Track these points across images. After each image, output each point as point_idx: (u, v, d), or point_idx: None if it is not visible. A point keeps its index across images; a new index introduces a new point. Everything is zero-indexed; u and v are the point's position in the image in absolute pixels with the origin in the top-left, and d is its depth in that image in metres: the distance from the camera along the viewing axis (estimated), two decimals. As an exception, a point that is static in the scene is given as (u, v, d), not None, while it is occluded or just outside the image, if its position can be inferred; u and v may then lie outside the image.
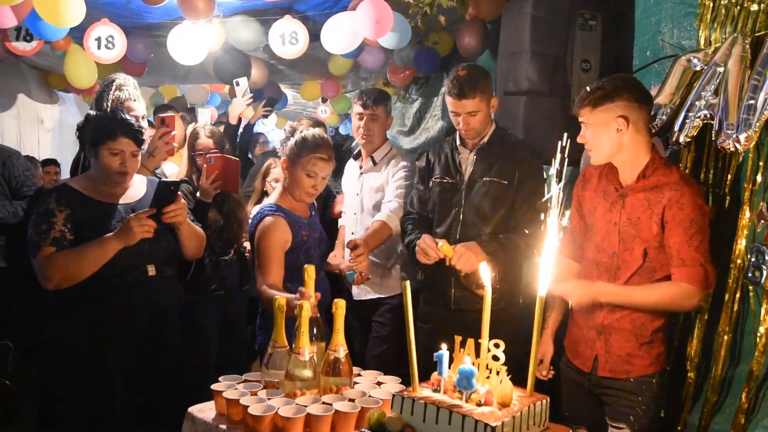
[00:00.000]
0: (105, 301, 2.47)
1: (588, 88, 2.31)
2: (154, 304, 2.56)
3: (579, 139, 2.34)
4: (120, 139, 2.48)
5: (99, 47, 4.29)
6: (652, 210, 2.21)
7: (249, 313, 3.69)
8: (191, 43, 4.33)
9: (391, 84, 6.70)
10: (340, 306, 2.05)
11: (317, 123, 4.61)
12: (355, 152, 3.55)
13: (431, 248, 2.63)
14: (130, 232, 2.39)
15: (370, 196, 3.38)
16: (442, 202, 2.84)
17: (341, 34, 4.29)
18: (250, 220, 2.77)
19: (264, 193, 3.80)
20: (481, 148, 2.79)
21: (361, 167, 3.47)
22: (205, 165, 3.22)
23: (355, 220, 3.44)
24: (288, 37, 4.32)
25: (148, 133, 3.66)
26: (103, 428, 2.49)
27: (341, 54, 4.87)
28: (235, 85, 4.24)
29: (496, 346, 1.67)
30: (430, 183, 2.89)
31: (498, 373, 1.66)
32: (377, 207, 3.28)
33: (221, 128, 4.71)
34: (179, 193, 2.52)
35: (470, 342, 1.71)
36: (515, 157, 2.77)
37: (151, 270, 2.54)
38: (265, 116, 5.52)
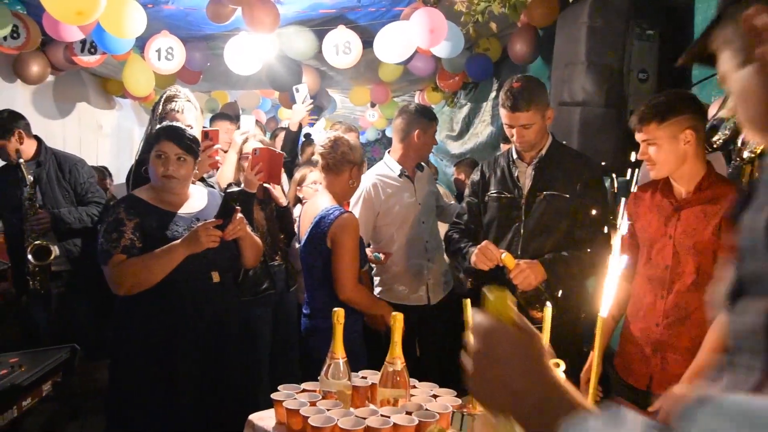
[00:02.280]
0: (172, 307, 2.56)
1: (650, 104, 2.29)
2: (217, 309, 2.64)
3: (640, 156, 2.33)
4: (162, 142, 2.59)
5: (159, 58, 4.43)
6: (709, 222, 2.20)
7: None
8: (247, 53, 4.43)
9: (439, 89, 6.72)
10: (398, 319, 2.08)
11: (349, 128, 4.72)
12: (399, 170, 3.58)
13: (494, 253, 2.59)
14: (197, 241, 2.48)
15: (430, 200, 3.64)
16: (500, 218, 2.81)
17: (395, 43, 4.33)
18: (314, 222, 2.85)
19: (297, 200, 3.89)
20: (539, 161, 2.76)
21: (408, 176, 3.58)
22: (250, 155, 3.29)
23: (423, 229, 3.55)
24: (342, 47, 4.38)
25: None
26: (167, 430, 2.57)
27: (394, 63, 4.89)
28: (295, 91, 4.30)
29: (557, 365, 1.67)
30: (486, 198, 2.87)
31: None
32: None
33: (281, 135, 4.82)
34: (237, 207, 2.60)
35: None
36: (576, 169, 2.72)
37: (216, 277, 2.62)
38: (311, 124, 5.59)
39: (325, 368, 2.16)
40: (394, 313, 2.09)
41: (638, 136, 2.32)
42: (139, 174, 2.85)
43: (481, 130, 6.78)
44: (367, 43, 4.68)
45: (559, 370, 1.66)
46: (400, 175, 3.53)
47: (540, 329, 2.49)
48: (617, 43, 3.17)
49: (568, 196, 2.68)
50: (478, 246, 2.64)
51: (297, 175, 4.01)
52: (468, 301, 1.72)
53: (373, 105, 8.33)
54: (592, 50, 3.22)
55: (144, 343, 2.57)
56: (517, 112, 2.64)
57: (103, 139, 7.18)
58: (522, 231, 2.74)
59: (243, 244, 2.69)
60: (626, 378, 2.44)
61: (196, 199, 2.75)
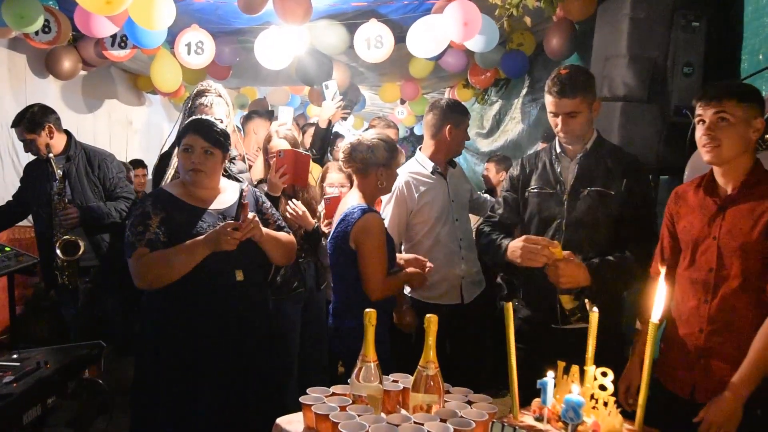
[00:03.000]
0: (196, 304, 2.51)
1: (724, 83, 2.17)
2: (243, 308, 2.58)
3: (706, 131, 2.12)
4: (189, 135, 2.55)
5: (189, 53, 4.39)
6: (757, 221, 2.07)
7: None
8: (278, 47, 4.37)
9: (471, 85, 6.61)
10: (432, 322, 1.99)
11: (388, 124, 4.62)
12: (432, 167, 3.48)
13: (543, 246, 2.44)
14: (215, 241, 2.43)
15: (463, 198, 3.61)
16: (541, 213, 2.69)
17: (428, 37, 4.22)
18: (339, 220, 2.79)
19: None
20: (584, 156, 2.64)
21: (441, 173, 3.49)
22: (275, 158, 3.21)
23: (456, 227, 3.48)
24: (373, 41, 4.29)
25: (234, 138, 3.75)
26: (191, 429, 2.52)
27: (426, 57, 4.79)
28: (324, 88, 4.23)
29: (604, 374, 1.57)
30: (526, 193, 2.75)
31: (606, 404, 1.56)
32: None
33: (311, 130, 4.75)
34: (246, 206, 2.54)
35: (575, 369, 1.62)
36: (621, 165, 2.60)
37: (239, 275, 2.56)
38: (344, 119, 5.52)
39: (356, 371, 2.08)
40: (428, 315, 2.00)
41: (709, 110, 2.11)
42: (161, 168, 2.80)
43: (512, 127, 6.70)
44: (399, 38, 4.59)
45: (606, 379, 1.56)
46: (432, 172, 3.44)
47: (576, 335, 2.39)
48: (661, 35, 3.04)
49: (612, 192, 2.55)
50: (522, 238, 2.52)
51: (321, 172, 3.93)
52: (510, 305, 1.62)
53: (402, 102, 8.24)
54: (634, 43, 3.09)
55: (167, 340, 2.53)
56: (564, 98, 2.52)
57: (132, 134, 7.22)
58: (563, 228, 2.62)
59: (263, 245, 2.62)
60: (668, 385, 2.32)
61: (227, 195, 2.70)
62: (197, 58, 4.41)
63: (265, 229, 2.62)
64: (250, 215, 2.51)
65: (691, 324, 2.23)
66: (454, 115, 3.42)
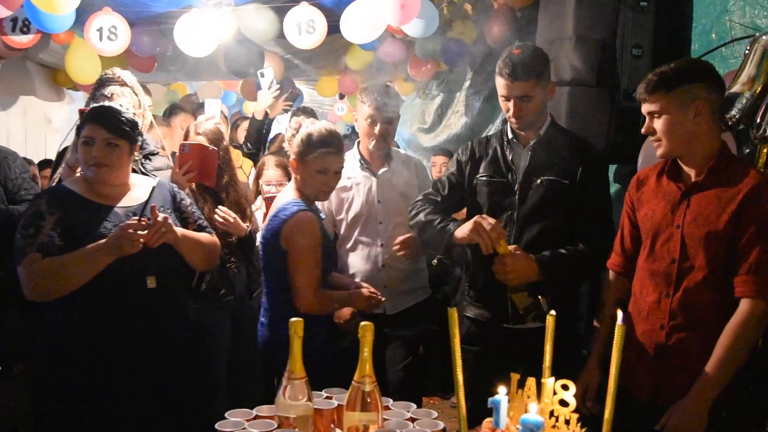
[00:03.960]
0: (101, 317, 2.22)
1: (657, 71, 2.01)
2: (156, 320, 2.28)
3: (645, 130, 2.05)
4: (88, 125, 2.25)
5: (101, 38, 3.99)
6: (723, 208, 1.91)
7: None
8: (200, 32, 4.00)
9: (411, 79, 6.41)
10: (368, 330, 1.73)
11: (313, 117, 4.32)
12: (356, 164, 3.10)
13: (492, 231, 2.23)
14: (115, 244, 2.12)
15: (393, 202, 3.05)
16: (491, 204, 2.48)
17: (363, 21, 3.94)
18: (270, 218, 2.52)
19: (258, 195, 3.51)
20: (537, 143, 2.44)
21: (373, 173, 3.09)
22: (177, 153, 2.89)
23: (377, 231, 3.04)
24: (305, 26, 3.99)
25: (157, 132, 3.42)
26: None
27: (362, 43, 4.52)
28: (259, 76, 3.92)
29: (565, 387, 1.34)
30: (474, 181, 2.53)
31: (568, 421, 1.33)
32: (404, 214, 2.87)
33: (244, 124, 4.42)
34: (156, 209, 2.23)
35: (531, 382, 1.39)
36: (577, 153, 2.42)
37: (151, 282, 2.25)
38: (286, 111, 5.20)
39: (281, 389, 1.81)
40: (363, 323, 1.74)
41: (644, 108, 2.04)
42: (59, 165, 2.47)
43: (455, 121, 6.52)
44: (334, 27, 4.32)
45: (567, 393, 1.33)
46: (362, 168, 3.09)
47: (530, 336, 2.19)
48: (609, 15, 2.86)
49: (567, 182, 2.37)
50: (474, 218, 2.29)
51: (256, 168, 3.62)
52: (454, 310, 1.38)
53: (341, 97, 7.98)
54: (580, 24, 2.91)
55: (68, 359, 2.22)
56: (517, 81, 2.32)
57: (52, 134, 6.74)
58: (515, 219, 2.43)
59: (180, 249, 2.31)
60: (627, 387, 2.13)
61: (139, 192, 2.38)
62: (110, 44, 4.01)
63: (181, 230, 2.32)
64: (162, 216, 2.20)
65: (651, 320, 2.06)
66: None
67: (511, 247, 2.26)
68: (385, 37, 5.19)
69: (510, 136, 2.49)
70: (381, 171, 3.07)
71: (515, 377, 1.41)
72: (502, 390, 1.34)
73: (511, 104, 2.37)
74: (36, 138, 6.45)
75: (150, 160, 3.03)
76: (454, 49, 5.15)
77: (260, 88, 4.01)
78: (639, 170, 2.46)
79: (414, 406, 1.99)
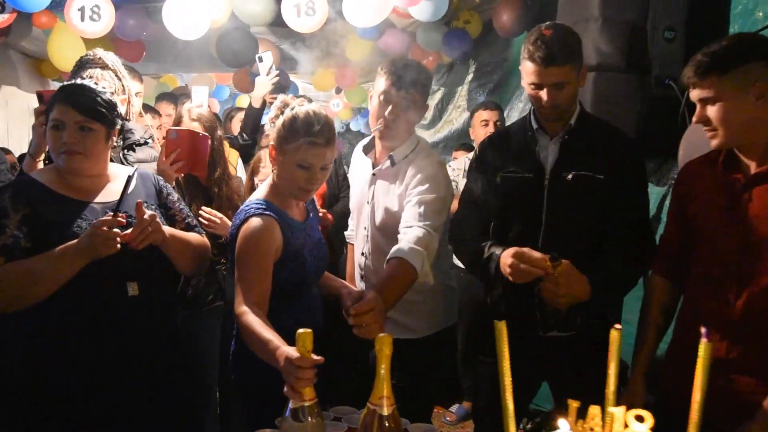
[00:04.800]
0: (76, 328, 1.93)
1: (708, 51, 1.75)
2: (137, 331, 1.99)
3: (696, 120, 1.79)
4: (58, 107, 1.94)
5: (82, 19, 3.72)
6: None
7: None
8: (190, 13, 3.72)
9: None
10: (386, 343, 1.48)
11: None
12: (365, 143, 2.60)
13: (536, 260, 1.96)
14: (89, 245, 1.83)
15: (384, 210, 2.42)
16: (514, 203, 2.20)
17: (367, 4, 3.68)
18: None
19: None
20: (567, 134, 2.17)
21: (374, 166, 2.49)
22: (164, 140, 2.59)
23: (365, 237, 2.51)
24: (304, 8, 3.72)
25: (149, 121, 3.15)
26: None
27: (365, 28, 4.25)
28: (258, 61, 3.63)
29: (640, 419, 1.09)
30: (497, 179, 2.24)
31: (641, 462, 1.08)
32: (394, 226, 2.30)
33: (239, 115, 4.15)
34: (141, 205, 1.92)
35: (594, 411, 1.14)
36: (612, 145, 2.15)
37: (133, 289, 1.97)
38: (272, 103, 4.92)
39: (287, 410, 1.55)
40: (381, 335, 1.49)
41: (694, 94, 1.79)
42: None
43: (456, 117, 6.35)
44: (335, 14, 4.06)
45: (643, 427, 1.08)
46: (365, 154, 2.61)
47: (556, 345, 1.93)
48: (638, -6, 2.63)
49: (602, 177, 2.09)
50: (511, 252, 2.00)
51: (251, 162, 3.34)
52: (503, 324, 1.12)
53: (338, 91, 7.72)
54: (607, 3, 2.67)
55: (40, 372, 1.93)
56: (552, 66, 2.03)
57: (36, 126, 6.42)
58: (543, 221, 2.15)
59: (167, 250, 2.02)
60: (678, 406, 1.89)
61: (120, 184, 2.08)
62: (93, 25, 3.74)
63: (169, 229, 2.02)
64: (149, 213, 1.92)
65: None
66: None
67: (565, 263, 1.94)
68: (386, 26, 4.96)
69: (535, 126, 2.23)
70: (382, 166, 2.44)
71: (574, 405, 1.16)
72: (563, 425, 1.09)
73: (544, 93, 2.09)
74: (19, 130, 6.14)
75: (134, 150, 2.77)
76: (457, 39, 4.93)
77: (258, 74, 3.72)
78: (680, 162, 2.23)
79: (434, 428, 1.75)
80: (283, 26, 4.29)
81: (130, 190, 2.05)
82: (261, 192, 2.08)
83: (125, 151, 2.71)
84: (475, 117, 4.16)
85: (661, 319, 2.01)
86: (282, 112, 2.02)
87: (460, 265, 3.50)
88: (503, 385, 1.17)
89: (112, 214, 1.88)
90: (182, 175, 2.77)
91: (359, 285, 2.51)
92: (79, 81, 2.08)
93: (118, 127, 2.09)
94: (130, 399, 1.99)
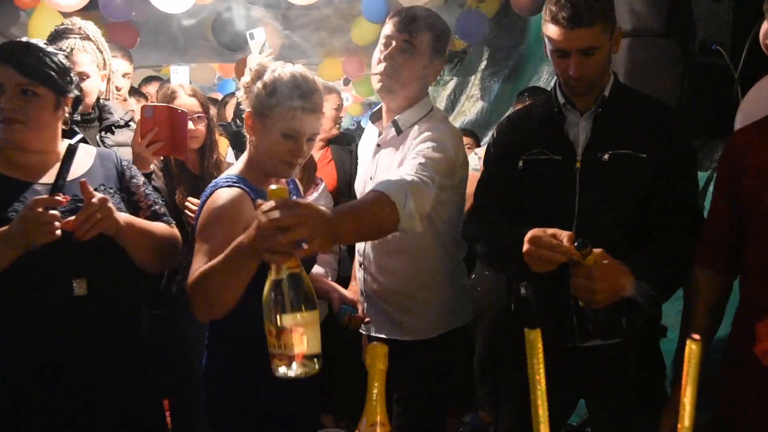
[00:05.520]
0: (14, 332, 1.65)
1: None
2: (87, 337, 1.68)
3: None
4: None
5: (60, -9, 3.45)
6: None
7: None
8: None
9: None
10: (378, 356, 1.16)
11: (330, 90, 3.72)
12: (374, 110, 2.25)
13: (556, 243, 1.55)
14: (20, 232, 1.52)
15: None
16: (541, 191, 1.86)
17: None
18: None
19: None
20: (601, 108, 1.82)
21: (379, 134, 2.17)
22: (140, 118, 2.27)
23: None
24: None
25: (134, 106, 2.88)
26: None
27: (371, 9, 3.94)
28: (249, 38, 3.33)
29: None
30: (520, 163, 1.90)
31: None
32: None
33: (233, 101, 3.86)
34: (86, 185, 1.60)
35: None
36: (654, 119, 1.81)
37: (81, 287, 1.65)
38: None
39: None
40: (373, 344, 1.17)
41: None
42: None
43: (469, 107, 6.07)
44: None
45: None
46: (379, 134, 2.23)
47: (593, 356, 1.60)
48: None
49: (644, 156, 1.75)
50: (528, 236, 1.60)
51: None
52: (538, 333, 0.79)
53: (346, 83, 7.40)
54: (643, -41, 2.34)
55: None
56: (579, 27, 1.69)
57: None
58: (576, 208, 1.80)
59: (123, 241, 1.70)
60: (737, 428, 1.56)
61: (75, 161, 1.79)
62: (69, -2, 3.46)
63: (125, 217, 1.70)
64: (98, 196, 1.60)
65: None
66: None
67: (597, 252, 1.54)
68: (395, 8, 4.65)
69: (562, 101, 1.88)
70: (387, 135, 2.11)
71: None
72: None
73: (570, 61, 1.75)
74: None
75: (112, 133, 2.48)
76: (471, 22, 4.61)
77: (250, 53, 3.40)
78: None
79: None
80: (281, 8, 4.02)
81: (87, 167, 1.77)
82: (235, 168, 1.78)
83: (103, 133, 2.47)
84: None
85: (710, 321, 1.68)
86: (260, 76, 1.70)
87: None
88: (536, 414, 0.84)
89: (45, 196, 1.57)
90: (161, 158, 2.48)
91: (358, 273, 2.20)
92: (23, 39, 1.77)
93: (72, 95, 1.78)
94: (85, 409, 1.69)
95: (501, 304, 2.26)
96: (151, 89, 3.86)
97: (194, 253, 1.59)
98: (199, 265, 1.51)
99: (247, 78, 1.74)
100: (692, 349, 0.84)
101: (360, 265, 2.17)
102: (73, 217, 1.55)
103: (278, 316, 1.17)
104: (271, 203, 1.23)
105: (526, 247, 1.59)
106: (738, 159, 1.60)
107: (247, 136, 1.75)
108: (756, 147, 1.56)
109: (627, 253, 1.63)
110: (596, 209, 1.78)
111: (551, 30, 1.75)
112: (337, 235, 1.44)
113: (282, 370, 1.19)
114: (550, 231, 1.57)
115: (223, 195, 1.63)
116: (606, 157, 1.77)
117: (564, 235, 1.55)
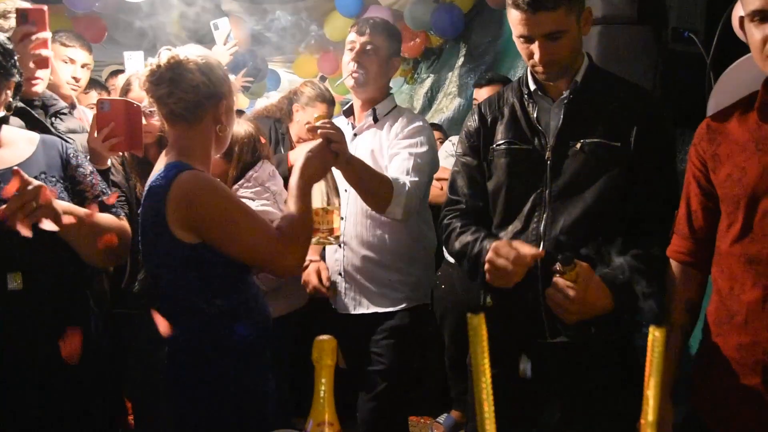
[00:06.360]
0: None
1: None
2: (24, 333, 1.58)
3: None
4: None
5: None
6: None
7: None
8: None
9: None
10: (325, 350, 1.07)
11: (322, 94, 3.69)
12: (345, 108, 2.50)
13: (516, 259, 1.60)
14: None
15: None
16: (513, 181, 1.80)
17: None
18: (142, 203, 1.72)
19: None
20: (573, 94, 1.76)
21: (354, 126, 2.42)
22: (95, 112, 2.18)
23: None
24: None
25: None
26: None
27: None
28: (213, 28, 3.23)
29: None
30: (490, 153, 1.85)
31: None
32: None
33: None
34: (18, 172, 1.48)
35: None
36: (629, 104, 1.74)
37: (15, 281, 1.55)
38: (246, 88, 4.51)
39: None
40: (320, 337, 1.08)
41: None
42: None
43: (446, 104, 6.00)
44: None
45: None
46: (345, 116, 2.50)
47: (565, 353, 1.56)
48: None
49: (618, 144, 1.69)
50: (492, 247, 1.64)
51: None
52: (482, 318, 0.71)
53: (323, 80, 7.32)
54: (615, -55, 2.29)
55: None
56: (541, 11, 1.62)
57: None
58: (547, 200, 1.74)
59: (64, 235, 1.60)
60: (715, 427, 1.50)
61: (14, 151, 1.69)
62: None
63: (65, 206, 1.59)
64: (34, 184, 1.49)
65: (751, 329, 1.43)
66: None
67: (583, 266, 1.55)
68: (370, 2, 4.60)
69: (533, 87, 1.81)
70: (364, 124, 2.37)
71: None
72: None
73: (535, 46, 1.68)
74: None
75: (62, 119, 2.37)
76: (447, 16, 4.56)
77: (215, 44, 3.31)
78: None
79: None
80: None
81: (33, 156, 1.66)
82: (162, 163, 1.70)
83: (52, 119, 2.36)
84: None
85: (687, 319, 1.62)
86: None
87: (451, 260, 3.12)
88: (481, 410, 0.77)
89: None
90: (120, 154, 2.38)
91: (336, 256, 2.41)
92: None
93: (15, 80, 1.68)
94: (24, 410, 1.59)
95: (466, 306, 2.24)
96: (118, 83, 3.76)
97: (239, 234, 1.61)
98: (266, 229, 1.62)
99: (149, 78, 1.66)
100: (656, 336, 0.76)
101: (340, 245, 2.35)
102: (3, 206, 1.45)
103: (327, 199, 1.83)
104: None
105: (488, 256, 1.66)
106: (709, 145, 1.54)
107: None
108: (727, 135, 1.51)
109: (601, 246, 1.59)
110: (567, 202, 1.71)
111: (513, 15, 1.69)
112: (350, 162, 1.92)
113: (322, 239, 1.84)
114: (511, 243, 1.64)
115: (200, 177, 1.61)
116: (578, 146, 1.71)
117: (527, 250, 1.63)
